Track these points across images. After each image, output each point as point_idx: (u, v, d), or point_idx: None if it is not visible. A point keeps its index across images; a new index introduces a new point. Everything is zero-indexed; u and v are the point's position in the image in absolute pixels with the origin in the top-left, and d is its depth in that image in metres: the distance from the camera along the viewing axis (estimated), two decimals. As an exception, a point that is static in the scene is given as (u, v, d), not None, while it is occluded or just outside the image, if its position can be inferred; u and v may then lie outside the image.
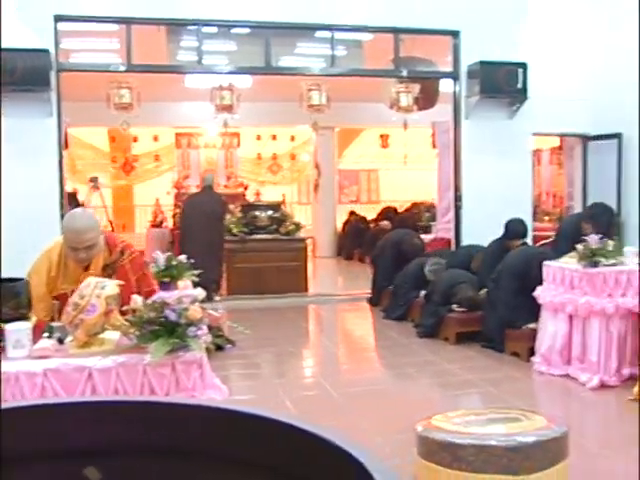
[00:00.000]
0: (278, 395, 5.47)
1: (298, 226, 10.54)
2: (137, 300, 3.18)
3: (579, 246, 5.72)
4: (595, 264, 5.64)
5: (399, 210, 16.17)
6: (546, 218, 13.61)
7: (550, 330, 5.95)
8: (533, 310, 6.17)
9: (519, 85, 9.46)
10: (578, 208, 10.60)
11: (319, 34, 9.81)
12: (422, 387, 5.74)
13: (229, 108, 10.04)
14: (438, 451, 3.04)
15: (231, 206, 10.43)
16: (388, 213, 15.76)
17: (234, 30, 9.66)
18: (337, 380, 6.03)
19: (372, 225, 15.65)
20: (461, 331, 7.12)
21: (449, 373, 6.12)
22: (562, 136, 11.37)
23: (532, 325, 6.29)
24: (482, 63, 9.38)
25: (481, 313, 7.03)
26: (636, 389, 5.14)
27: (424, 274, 8.14)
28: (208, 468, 1.05)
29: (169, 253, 4.49)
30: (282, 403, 5.24)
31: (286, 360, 7.06)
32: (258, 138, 18.11)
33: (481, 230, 8.63)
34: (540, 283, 6.09)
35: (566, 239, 6.72)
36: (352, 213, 16.69)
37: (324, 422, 3.88)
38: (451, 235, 10.07)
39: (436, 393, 5.57)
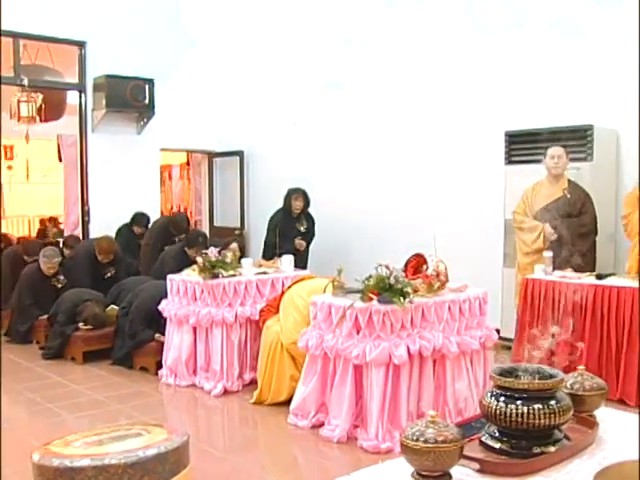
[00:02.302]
0: None
1: None
2: None
3: (199, 259, 5.91)
4: (215, 276, 5.87)
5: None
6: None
7: (175, 342, 6.06)
8: (160, 323, 6.27)
9: (146, 100, 9.53)
10: (205, 222, 11.00)
11: None
12: (46, 412, 5.45)
13: None
14: (57, 478, 2.89)
15: None
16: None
17: None
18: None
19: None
20: (88, 350, 6.93)
21: (76, 394, 5.90)
22: (189, 152, 11.71)
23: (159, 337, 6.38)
24: (108, 76, 9.28)
25: (109, 330, 6.93)
26: (256, 392, 5.46)
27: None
28: None
29: None
30: None
31: None
32: None
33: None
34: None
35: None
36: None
37: None
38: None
39: (61, 417, 5.32)
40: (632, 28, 6.53)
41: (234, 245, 6.79)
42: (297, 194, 8.26)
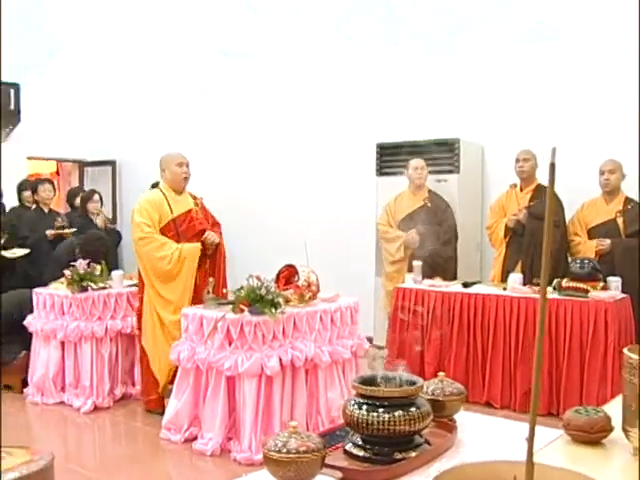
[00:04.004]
0: None
1: None
2: None
3: (67, 272, 5.72)
4: (84, 289, 5.70)
5: None
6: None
7: (42, 358, 5.83)
8: (25, 339, 6.00)
9: (11, 106, 9.16)
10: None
11: None
12: None
13: None
14: None
15: None
16: None
17: None
18: None
19: None
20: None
21: None
22: (59, 161, 11.32)
23: (23, 354, 6.12)
24: (-31, 81, 8.86)
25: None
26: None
27: None
28: None
29: None
30: None
31: None
32: None
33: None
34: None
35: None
36: None
37: None
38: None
39: None
40: (494, 43, 6.86)
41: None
42: None
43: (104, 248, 6.45)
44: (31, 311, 6.02)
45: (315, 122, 8.22)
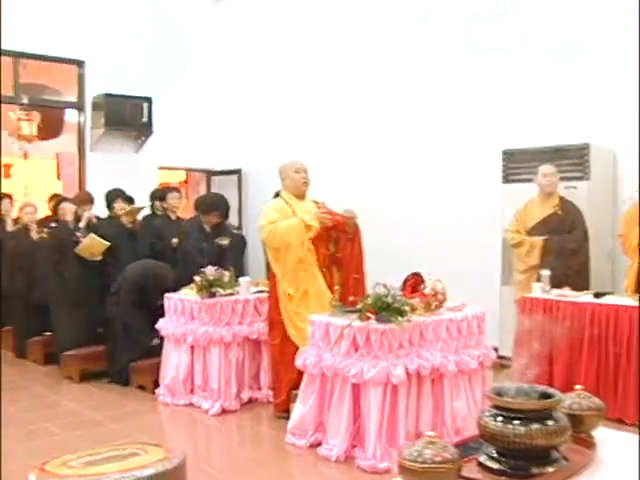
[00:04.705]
0: None
1: None
2: None
3: (197, 278, 5.91)
4: (212, 294, 5.86)
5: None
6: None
7: (173, 361, 6.04)
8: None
9: (144, 119, 9.57)
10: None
11: None
12: (43, 431, 5.42)
13: None
14: (52, 498, 2.87)
15: None
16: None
17: None
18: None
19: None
20: (86, 369, 6.92)
21: (73, 413, 5.88)
22: (188, 170, 11.72)
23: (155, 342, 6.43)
24: (107, 95, 9.33)
25: (105, 348, 6.90)
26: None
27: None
28: None
29: None
30: None
31: None
32: None
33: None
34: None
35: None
36: None
37: None
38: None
39: (58, 436, 5.29)
40: (629, 46, 6.58)
41: None
42: None
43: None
44: (155, 280, 6.35)
45: (439, 129, 8.15)
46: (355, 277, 5.43)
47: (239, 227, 10.12)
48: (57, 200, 8.05)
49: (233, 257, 7.17)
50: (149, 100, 9.60)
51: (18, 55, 9.13)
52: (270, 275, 5.54)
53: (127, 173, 9.65)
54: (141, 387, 6.48)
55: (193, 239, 6.98)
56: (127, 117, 9.42)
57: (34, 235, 7.93)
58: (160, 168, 10.37)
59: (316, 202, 5.62)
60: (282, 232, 5.29)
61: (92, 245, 7.05)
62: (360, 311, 4.51)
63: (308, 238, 5.31)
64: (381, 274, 4.98)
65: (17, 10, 8.89)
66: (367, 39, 8.75)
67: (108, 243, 7.08)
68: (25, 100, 9.39)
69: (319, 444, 4.75)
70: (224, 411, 5.77)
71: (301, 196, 5.57)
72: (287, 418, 5.12)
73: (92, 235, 7.07)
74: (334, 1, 9.18)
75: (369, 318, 4.45)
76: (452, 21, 7.97)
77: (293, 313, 5.31)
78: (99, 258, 7.14)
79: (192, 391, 6.01)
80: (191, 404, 5.96)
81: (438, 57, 8.10)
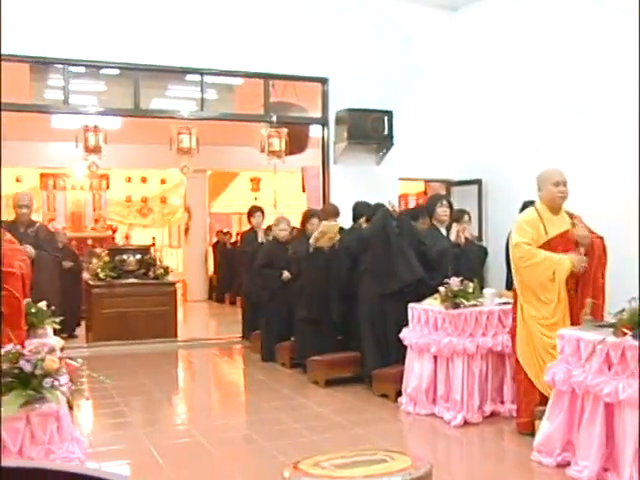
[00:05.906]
0: (145, 444, 5.30)
1: (167, 270, 10.38)
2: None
3: (441, 288, 5.91)
4: (457, 305, 5.84)
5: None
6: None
7: (416, 371, 6.09)
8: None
9: (385, 132, 9.78)
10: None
11: (190, 77, 9.80)
12: (292, 432, 5.71)
13: (95, 149, 9.82)
14: (306, 495, 3.03)
15: (98, 250, 10.16)
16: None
17: (103, 70, 9.49)
18: (206, 427, 5.91)
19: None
20: (331, 374, 7.20)
21: (318, 416, 6.13)
22: (427, 181, 11.79)
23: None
24: (350, 110, 9.65)
25: (354, 354, 7.15)
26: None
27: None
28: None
29: (28, 300, 4.31)
30: (148, 452, 5.08)
31: (155, 408, 6.87)
32: (128, 180, 17.77)
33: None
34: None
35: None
36: (220, 232, 16.73)
37: (192, 471, 3.79)
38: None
39: (306, 437, 5.55)
40: None
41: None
42: None
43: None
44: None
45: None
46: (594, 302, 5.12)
47: (479, 237, 10.01)
48: (307, 214, 8.50)
49: (474, 267, 7.12)
50: (390, 113, 9.79)
51: (268, 77, 9.73)
52: (514, 288, 5.42)
53: (369, 185, 9.88)
54: (384, 395, 6.60)
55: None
56: (369, 130, 9.67)
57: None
58: (400, 179, 10.53)
59: (571, 215, 5.38)
60: (534, 267, 5.15)
61: (327, 231, 7.55)
62: (614, 326, 4.27)
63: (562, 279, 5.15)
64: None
65: (270, 35, 9.50)
66: (608, 50, 8.28)
67: (339, 224, 7.71)
68: (274, 118, 9.98)
69: (567, 464, 4.55)
70: (466, 423, 5.72)
71: (556, 210, 5.37)
72: (532, 435, 4.98)
73: (324, 222, 7.61)
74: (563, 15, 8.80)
75: (625, 334, 4.20)
76: None
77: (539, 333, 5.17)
78: (337, 239, 7.63)
79: (434, 401, 6.02)
80: (433, 414, 5.97)
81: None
